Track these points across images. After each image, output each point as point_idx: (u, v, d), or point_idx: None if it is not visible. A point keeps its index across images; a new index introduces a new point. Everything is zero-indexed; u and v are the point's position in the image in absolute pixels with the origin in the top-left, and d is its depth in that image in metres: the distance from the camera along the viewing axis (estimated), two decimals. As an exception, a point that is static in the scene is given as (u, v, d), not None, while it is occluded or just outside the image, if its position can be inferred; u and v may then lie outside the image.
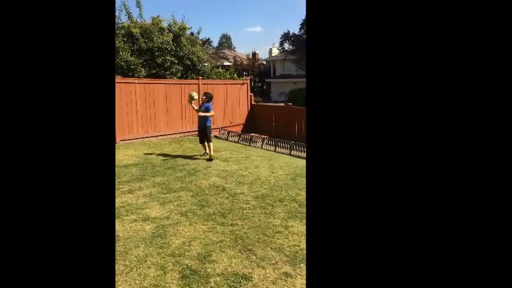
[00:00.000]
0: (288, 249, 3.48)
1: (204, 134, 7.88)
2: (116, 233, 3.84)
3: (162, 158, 7.86)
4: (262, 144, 9.95)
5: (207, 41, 30.54)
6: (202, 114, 7.83)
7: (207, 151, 7.83)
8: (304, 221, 3.99)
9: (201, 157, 7.86)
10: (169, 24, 13.57)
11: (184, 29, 13.65)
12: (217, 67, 16.16)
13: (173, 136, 10.61)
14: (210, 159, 7.58)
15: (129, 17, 13.38)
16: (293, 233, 3.84)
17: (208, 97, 8.01)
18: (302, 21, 27.92)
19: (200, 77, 12.25)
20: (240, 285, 2.88)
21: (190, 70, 13.81)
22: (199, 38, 15.22)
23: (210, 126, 7.94)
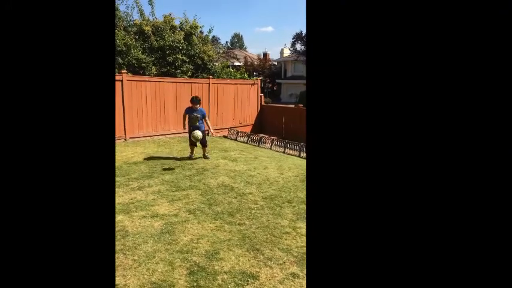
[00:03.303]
0: (296, 250, 3.48)
1: (204, 138, 7.39)
2: (125, 228, 3.87)
3: (171, 156, 7.90)
4: (271, 145, 9.95)
5: (215, 40, 30.53)
6: (208, 125, 7.46)
7: (203, 154, 7.61)
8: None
9: (192, 158, 7.57)
10: (181, 23, 13.62)
11: (196, 27, 13.67)
12: (228, 67, 16.19)
13: (182, 135, 10.64)
14: (190, 158, 7.52)
15: (141, 14, 13.48)
16: (301, 235, 3.83)
17: (199, 101, 7.46)
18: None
19: (210, 76, 12.28)
20: (247, 284, 2.88)
21: (200, 69, 13.86)
22: (209, 37, 15.24)
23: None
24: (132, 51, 11.84)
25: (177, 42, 12.87)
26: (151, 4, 13.64)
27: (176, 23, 13.50)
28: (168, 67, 12.87)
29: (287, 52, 35.43)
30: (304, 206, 4.70)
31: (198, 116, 7.21)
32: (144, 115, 10.15)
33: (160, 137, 10.42)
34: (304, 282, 2.92)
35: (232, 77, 14.67)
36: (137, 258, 3.24)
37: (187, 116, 7.33)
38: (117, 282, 2.83)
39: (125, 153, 8.04)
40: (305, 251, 3.43)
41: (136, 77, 10.19)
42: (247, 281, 2.92)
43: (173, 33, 13.04)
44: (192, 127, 7.24)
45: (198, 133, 6.97)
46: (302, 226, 4.05)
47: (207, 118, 7.40)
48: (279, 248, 3.51)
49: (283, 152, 9.24)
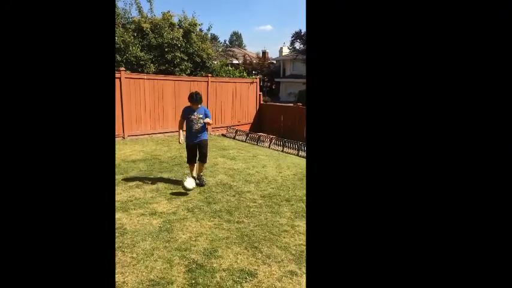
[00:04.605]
0: (294, 248, 3.49)
1: (205, 148, 5.50)
2: (124, 226, 3.88)
3: (169, 154, 7.90)
4: (269, 144, 9.96)
5: (213, 38, 30.44)
6: (207, 120, 5.35)
7: (197, 174, 5.56)
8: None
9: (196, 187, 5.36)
10: (179, 20, 13.56)
11: (195, 25, 13.61)
12: (227, 65, 16.16)
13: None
14: (202, 184, 5.50)
15: (140, 11, 13.41)
16: (299, 233, 3.85)
17: (200, 98, 5.32)
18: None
19: (209, 75, 12.26)
20: (245, 281, 2.89)
21: (199, 67, 13.82)
22: (208, 35, 15.20)
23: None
24: (131, 49, 11.81)
25: (176, 40, 12.83)
26: (149, 1, 13.59)
27: (175, 20, 13.45)
28: (167, 65, 12.84)
29: (286, 51, 35.36)
30: (303, 205, 4.72)
31: (201, 116, 5.30)
32: (143, 113, 10.13)
33: (158, 135, 10.41)
34: (302, 279, 2.94)
35: (231, 76, 14.65)
36: (135, 255, 3.24)
37: (184, 122, 5.43)
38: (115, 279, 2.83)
39: (123, 151, 8.04)
40: (303, 249, 3.45)
41: (135, 75, 10.16)
42: (246, 278, 2.94)
43: (172, 30, 13.00)
44: (192, 136, 5.38)
45: (187, 185, 5.05)
46: (300, 224, 4.07)
47: (210, 119, 5.44)
48: (277, 246, 3.52)
49: (282, 151, 9.25)
